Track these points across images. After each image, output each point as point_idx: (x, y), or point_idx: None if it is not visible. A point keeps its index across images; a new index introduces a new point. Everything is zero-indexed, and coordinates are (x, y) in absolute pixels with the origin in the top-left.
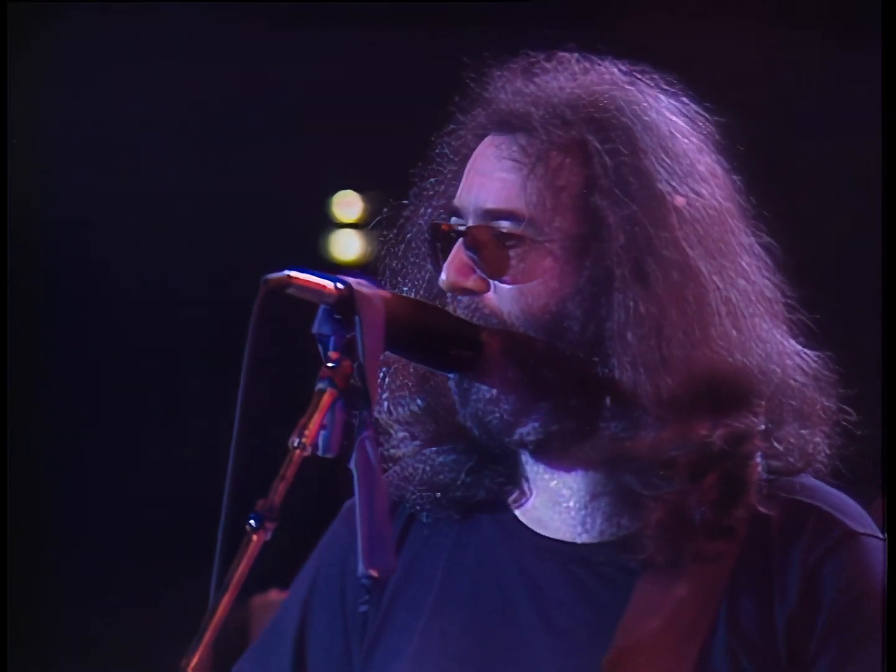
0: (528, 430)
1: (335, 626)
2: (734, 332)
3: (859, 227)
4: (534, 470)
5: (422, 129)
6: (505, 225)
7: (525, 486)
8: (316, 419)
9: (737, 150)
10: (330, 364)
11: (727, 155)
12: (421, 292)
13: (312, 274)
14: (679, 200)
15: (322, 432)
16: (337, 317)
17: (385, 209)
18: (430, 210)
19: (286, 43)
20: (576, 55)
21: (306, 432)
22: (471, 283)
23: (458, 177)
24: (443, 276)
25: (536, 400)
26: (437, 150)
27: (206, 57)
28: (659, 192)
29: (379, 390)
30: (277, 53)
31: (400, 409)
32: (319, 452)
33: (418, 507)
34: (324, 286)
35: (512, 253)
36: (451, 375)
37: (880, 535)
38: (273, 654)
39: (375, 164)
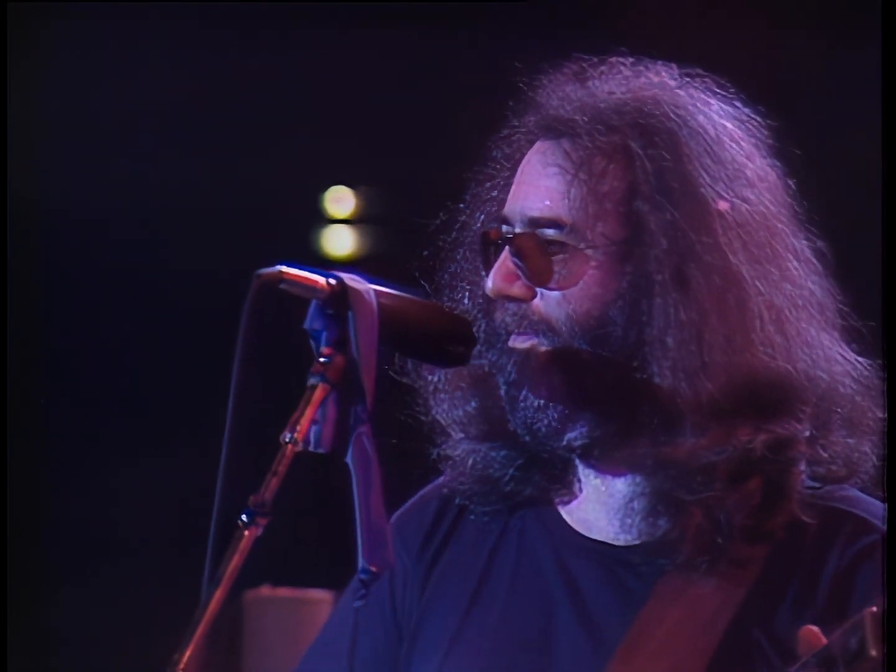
0: (575, 435)
1: (385, 619)
2: (778, 338)
3: (859, 227)
4: (584, 472)
5: (415, 126)
6: (549, 233)
7: (576, 486)
8: (308, 414)
9: (793, 154)
10: (322, 359)
11: (782, 159)
12: (479, 295)
13: (305, 269)
14: (722, 205)
15: (314, 427)
16: (329, 312)
17: (441, 213)
18: (483, 216)
19: (280, 42)
20: (630, 59)
21: (298, 427)
22: (516, 290)
23: (510, 182)
24: (489, 283)
25: (582, 406)
26: (492, 154)
27: (202, 56)
28: (702, 197)
29: (437, 391)
30: (271, 52)
31: (457, 411)
32: (311, 447)
33: (467, 500)
34: (316, 282)
35: (555, 260)
36: (502, 384)
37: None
38: (332, 648)
39: (368, 160)
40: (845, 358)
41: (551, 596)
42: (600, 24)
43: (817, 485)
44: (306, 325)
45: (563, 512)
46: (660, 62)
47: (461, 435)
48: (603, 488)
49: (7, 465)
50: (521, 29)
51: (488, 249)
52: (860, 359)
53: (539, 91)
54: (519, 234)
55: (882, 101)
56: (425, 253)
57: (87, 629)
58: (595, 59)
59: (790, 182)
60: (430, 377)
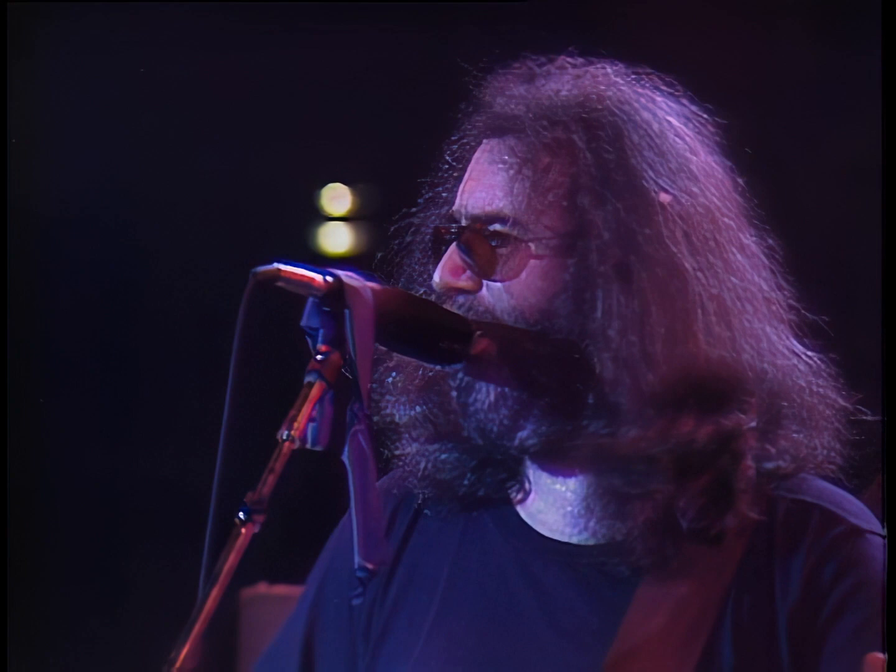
0: (526, 434)
1: (342, 623)
2: (721, 329)
3: (859, 226)
4: (536, 473)
5: (412, 124)
6: (494, 226)
7: (527, 485)
8: (305, 412)
9: (743, 152)
10: (319, 357)
11: (730, 156)
12: (434, 296)
13: (301, 267)
14: (664, 197)
15: (311, 425)
16: (326, 310)
17: (396, 216)
18: (434, 219)
19: (278, 39)
20: (579, 59)
21: (295, 425)
22: (462, 282)
23: (459, 183)
24: (436, 277)
25: (530, 402)
26: (445, 157)
27: (201, 54)
28: (644, 190)
29: (385, 395)
30: (270, 49)
31: (403, 415)
32: (308, 445)
33: (419, 502)
34: (313, 279)
35: (500, 252)
36: (453, 388)
37: (884, 534)
38: (283, 654)
39: (365, 157)
40: (794, 352)
41: (518, 599)
42: (599, 24)
43: (765, 480)
44: (303, 322)
45: (522, 512)
46: (607, 60)
47: (406, 436)
48: (557, 487)
49: (7, 465)
50: (520, 27)
51: (439, 247)
52: (811, 353)
53: (486, 91)
54: (465, 227)
55: (882, 100)
56: (379, 255)
57: (84, 627)
58: (544, 59)
59: (739, 180)
60: (385, 379)
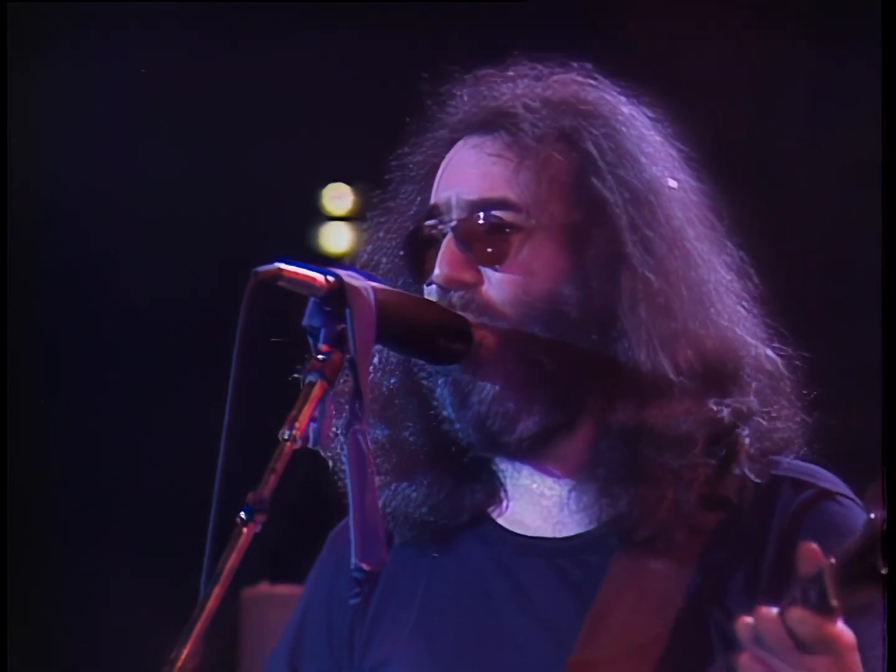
0: (528, 424)
1: (322, 644)
2: (727, 315)
3: (859, 226)
4: (513, 477)
5: (413, 123)
6: (497, 214)
7: (503, 495)
8: (306, 411)
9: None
10: (320, 356)
11: (697, 175)
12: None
13: (303, 266)
14: (672, 182)
15: (312, 424)
16: (327, 309)
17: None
18: (392, 231)
19: (278, 39)
20: (535, 66)
21: (297, 424)
22: (467, 275)
23: (424, 191)
24: (437, 271)
25: (537, 392)
26: (396, 173)
27: (202, 54)
28: (651, 174)
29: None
30: (271, 50)
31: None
32: (310, 445)
33: (399, 540)
34: (314, 279)
35: (509, 241)
36: (440, 381)
37: (857, 500)
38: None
39: (366, 156)
40: (766, 344)
41: (495, 597)
42: (600, 26)
43: (760, 455)
44: (304, 322)
45: (499, 520)
46: (578, 65)
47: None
48: (535, 487)
49: (7, 464)
50: (524, 28)
51: (416, 249)
52: (780, 346)
53: (455, 96)
54: (463, 219)
55: (882, 100)
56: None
57: (85, 627)
58: (499, 67)
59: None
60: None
